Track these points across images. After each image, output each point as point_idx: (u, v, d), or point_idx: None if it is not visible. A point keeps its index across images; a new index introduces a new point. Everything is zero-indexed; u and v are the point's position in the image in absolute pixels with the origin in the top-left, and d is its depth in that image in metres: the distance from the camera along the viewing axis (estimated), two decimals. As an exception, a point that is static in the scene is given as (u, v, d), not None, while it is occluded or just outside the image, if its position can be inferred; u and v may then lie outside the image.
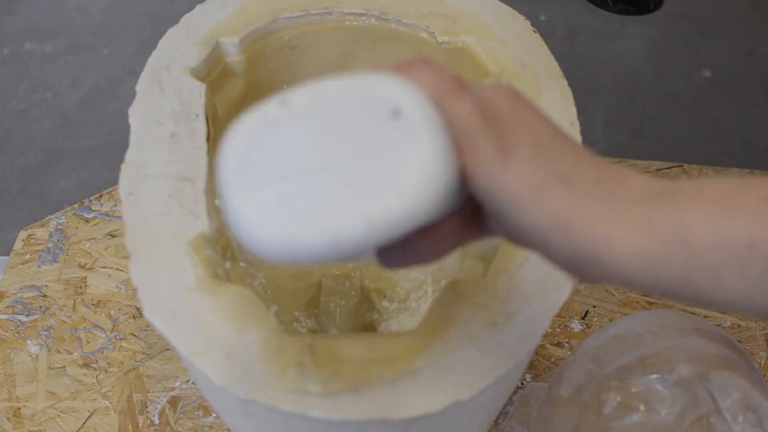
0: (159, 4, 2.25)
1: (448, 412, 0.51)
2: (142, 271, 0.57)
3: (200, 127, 0.67)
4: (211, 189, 0.65)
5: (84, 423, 0.78)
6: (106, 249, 0.92)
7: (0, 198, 1.90)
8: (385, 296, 0.81)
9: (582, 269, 0.42)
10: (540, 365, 0.82)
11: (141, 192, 0.63)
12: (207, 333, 0.54)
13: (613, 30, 2.26)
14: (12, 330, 0.85)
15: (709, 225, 0.40)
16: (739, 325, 0.85)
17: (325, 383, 0.52)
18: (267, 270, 0.78)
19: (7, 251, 0.96)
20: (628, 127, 1.89)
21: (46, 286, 0.89)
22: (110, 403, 0.79)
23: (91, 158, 1.93)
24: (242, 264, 0.65)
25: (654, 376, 0.64)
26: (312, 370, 0.52)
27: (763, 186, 0.40)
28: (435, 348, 0.54)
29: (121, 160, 0.64)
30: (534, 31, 0.75)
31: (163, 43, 0.74)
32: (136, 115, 0.68)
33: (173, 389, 0.80)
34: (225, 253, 0.61)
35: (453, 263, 0.75)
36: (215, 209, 0.63)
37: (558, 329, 0.85)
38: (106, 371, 0.82)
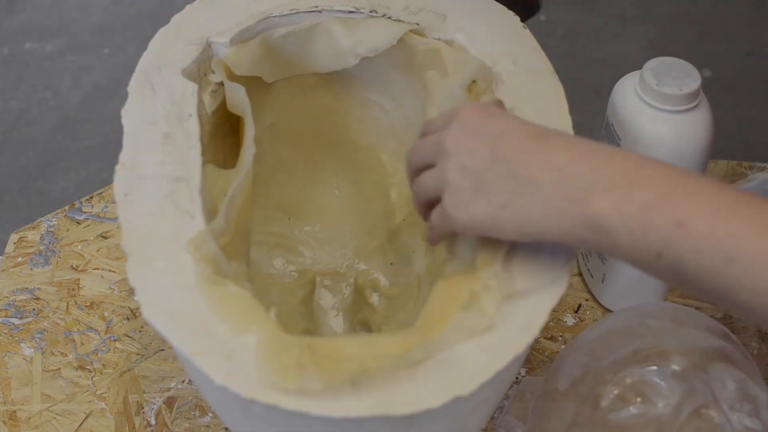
0: (159, 4, 2.24)
1: (448, 407, 0.52)
2: (140, 272, 0.57)
3: (193, 127, 0.67)
4: (206, 189, 0.65)
5: (80, 425, 0.78)
6: (98, 250, 0.92)
7: (0, 198, 1.89)
8: (377, 293, 0.81)
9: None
10: (534, 359, 0.82)
11: (136, 193, 0.63)
12: (207, 333, 0.54)
13: (613, 30, 2.26)
14: (5, 333, 0.85)
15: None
16: (731, 317, 0.85)
17: (325, 381, 0.52)
18: (258, 270, 0.79)
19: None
20: (628, 128, 1.90)
21: (38, 288, 0.89)
22: (106, 404, 0.79)
23: (91, 158, 1.92)
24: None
25: (650, 368, 0.65)
26: (312, 371, 0.52)
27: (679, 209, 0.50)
28: (434, 344, 0.54)
29: (121, 160, 0.65)
30: (524, 27, 0.76)
31: (153, 44, 0.73)
32: (128, 116, 0.68)
33: (169, 390, 0.80)
34: (226, 254, 0.61)
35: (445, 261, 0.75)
36: (215, 210, 0.63)
37: (551, 323, 0.85)
38: (101, 373, 0.82)
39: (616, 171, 0.52)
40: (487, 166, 0.55)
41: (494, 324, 0.55)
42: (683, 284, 0.51)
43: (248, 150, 0.68)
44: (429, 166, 0.60)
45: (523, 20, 0.76)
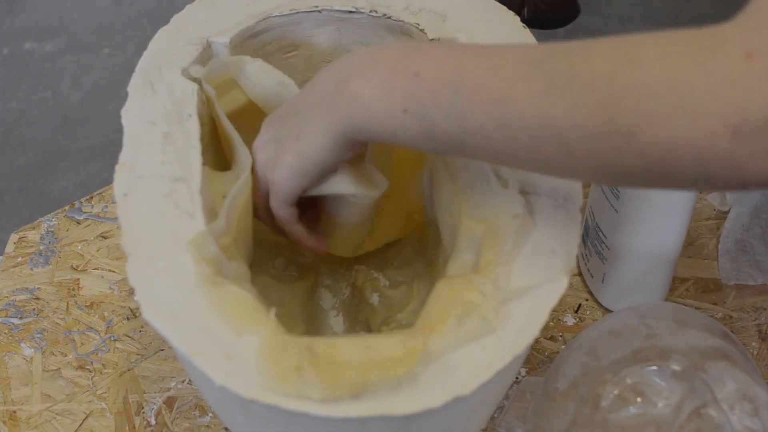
0: (159, 4, 2.24)
1: (449, 407, 0.52)
2: (140, 272, 0.57)
3: (193, 127, 0.67)
4: (207, 189, 0.65)
5: (80, 425, 0.78)
6: (98, 250, 0.92)
7: (0, 198, 1.89)
8: (377, 292, 0.81)
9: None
10: (534, 359, 0.82)
11: (136, 193, 0.63)
12: (207, 333, 0.54)
13: (613, 30, 2.27)
14: (5, 333, 0.85)
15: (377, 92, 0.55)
16: (730, 317, 0.85)
17: (325, 390, 0.52)
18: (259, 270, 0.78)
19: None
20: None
21: (38, 288, 0.89)
22: (106, 404, 0.79)
23: (91, 158, 1.92)
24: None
25: (650, 368, 0.65)
26: (311, 376, 0.52)
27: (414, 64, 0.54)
28: (434, 345, 0.54)
29: (121, 160, 0.64)
30: (524, 26, 0.76)
31: (154, 44, 0.74)
32: (128, 116, 0.68)
33: (169, 390, 0.80)
34: (227, 254, 0.61)
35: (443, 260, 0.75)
36: (215, 210, 0.63)
37: (551, 323, 0.85)
38: (101, 373, 0.82)
39: (365, 57, 0.57)
40: (279, 127, 0.63)
41: (496, 328, 0.55)
42: (430, 137, 0.54)
43: (242, 152, 0.67)
44: None
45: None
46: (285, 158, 0.62)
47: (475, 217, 0.61)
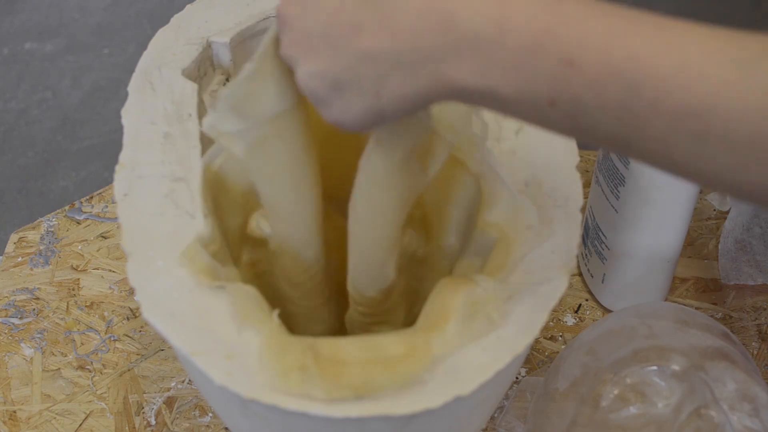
0: (159, 4, 2.24)
1: (448, 407, 0.52)
2: (140, 271, 0.57)
3: (193, 127, 0.67)
4: (205, 189, 0.65)
5: (80, 425, 0.78)
6: (98, 250, 0.92)
7: (0, 198, 1.89)
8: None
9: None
10: (534, 359, 0.82)
11: (136, 193, 0.63)
12: (207, 333, 0.54)
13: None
14: (6, 333, 0.85)
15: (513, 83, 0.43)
16: (730, 317, 0.85)
17: (328, 389, 0.52)
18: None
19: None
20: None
21: (38, 288, 0.89)
22: (106, 404, 0.79)
23: (91, 158, 1.92)
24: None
25: (650, 368, 0.65)
26: (315, 375, 0.52)
27: (563, 45, 0.42)
28: (439, 348, 0.54)
29: (122, 160, 0.64)
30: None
31: (154, 44, 0.74)
32: (128, 116, 0.68)
33: (169, 389, 0.80)
34: (217, 257, 0.61)
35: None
36: (209, 210, 0.63)
37: (551, 323, 0.85)
38: (101, 373, 0.82)
39: (478, 17, 0.43)
40: (333, 63, 0.48)
41: (498, 327, 0.55)
42: (585, 134, 0.44)
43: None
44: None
45: None
46: (354, 109, 0.48)
47: (491, 221, 0.61)
